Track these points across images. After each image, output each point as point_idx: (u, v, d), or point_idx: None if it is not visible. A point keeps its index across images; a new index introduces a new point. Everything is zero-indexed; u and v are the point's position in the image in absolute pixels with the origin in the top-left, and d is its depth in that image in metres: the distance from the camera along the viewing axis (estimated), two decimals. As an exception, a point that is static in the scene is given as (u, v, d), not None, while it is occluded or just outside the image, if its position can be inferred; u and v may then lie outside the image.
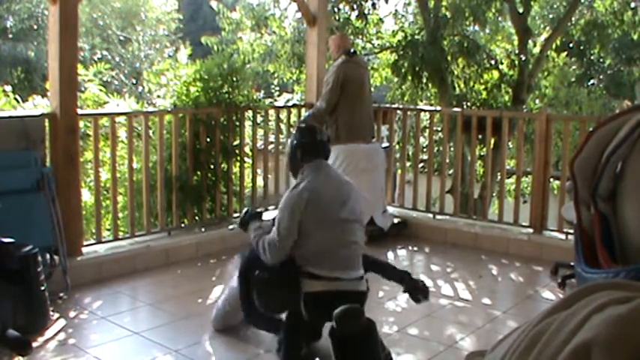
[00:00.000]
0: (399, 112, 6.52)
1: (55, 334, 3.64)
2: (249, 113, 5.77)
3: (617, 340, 0.48)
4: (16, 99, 7.69)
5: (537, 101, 11.77)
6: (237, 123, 5.53)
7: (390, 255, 5.43)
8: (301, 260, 3.04)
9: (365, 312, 2.49)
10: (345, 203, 3.12)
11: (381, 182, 5.72)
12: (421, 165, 7.23)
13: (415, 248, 5.60)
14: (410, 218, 5.95)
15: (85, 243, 4.65)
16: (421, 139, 7.63)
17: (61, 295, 4.13)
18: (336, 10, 9.36)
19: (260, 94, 8.01)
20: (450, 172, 7.21)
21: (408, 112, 6.53)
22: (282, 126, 6.73)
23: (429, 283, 4.70)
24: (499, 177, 6.50)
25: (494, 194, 8.44)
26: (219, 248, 5.26)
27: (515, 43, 9.99)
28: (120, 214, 5.16)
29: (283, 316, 3.20)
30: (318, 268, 3.00)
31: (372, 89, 6.88)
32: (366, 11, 9.44)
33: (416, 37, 9.02)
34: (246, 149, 5.78)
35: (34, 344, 3.26)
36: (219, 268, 4.97)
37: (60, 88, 4.28)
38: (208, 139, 5.34)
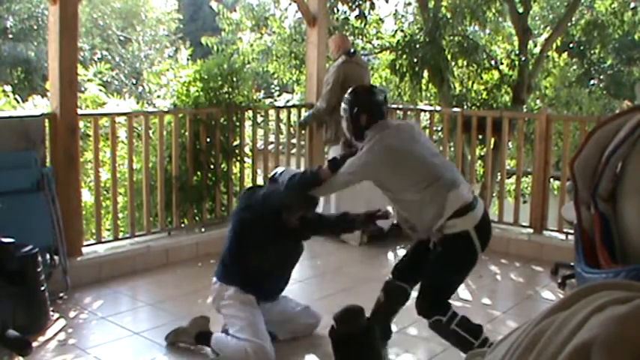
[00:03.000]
0: (399, 112, 6.52)
1: (55, 334, 3.64)
2: (249, 113, 5.77)
3: (617, 340, 0.48)
4: (16, 99, 7.69)
5: (538, 101, 11.76)
6: (237, 123, 5.53)
7: (390, 255, 5.43)
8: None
9: (365, 311, 2.49)
10: (414, 145, 3.17)
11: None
12: (421, 165, 7.21)
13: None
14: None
15: (85, 243, 4.65)
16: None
17: (61, 295, 4.13)
18: (335, 10, 9.34)
19: (260, 94, 8.01)
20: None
21: (408, 112, 6.53)
22: (282, 126, 6.74)
23: (429, 283, 4.72)
24: (499, 177, 6.50)
25: (494, 194, 8.43)
26: (219, 248, 5.21)
27: (515, 43, 9.98)
28: (120, 214, 5.16)
29: None
30: None
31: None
32: (365, 11, 9.43)
33: (415, 37, 9.01)
34: (246, 149, 5.78)
35: (34, 344, 3.26)
36: (219, 268, 4.97)
37: (60, 88, 4.28)
38: (208, 140, 5.34)
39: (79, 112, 4.63)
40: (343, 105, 3.31)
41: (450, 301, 3.17)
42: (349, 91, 3.37)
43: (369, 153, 3.10)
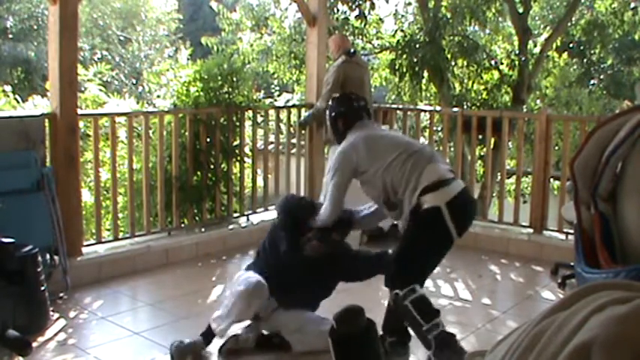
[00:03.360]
0: (399, 112, 6.52)
1: (55, 334, 3.64)
2: (249, 113, 5.78)
3: (617, 340, 0.48)
4: (16, 99, 7.70)
5: (538, 101, 11.77)
6: (237, 123, 5.53)
7: (390, 255, 5.43)
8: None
9: (365, 311, 2.49)
10: (392, 134, 3.36)
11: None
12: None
13: (415, 248, 5.59)
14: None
15: (85, 243, 4.65)
16: (421, 139, 7.63)
17: (61, 295, 4.13)
18: (335, 10, 9.35)
19: (260, 94, 8.00)
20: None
21: (408, 112, 6.53)
22: (282, 126, 6.73)
23: (429, 283, 4.72)
24: (499, 177, 6.50)
25: (494, 194, 8.43)
26: (219, 248, 5.26)
27: (516, 43, 9.99)
28: (120, 214, 5.16)
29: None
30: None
31: (372, 89, 6.88)
32: (365, 11, 9.43)
33: (415, 37, 9.02)
34: (246, 149, 5.78)
35: (34, 344, 3.26)
36: (219, 268, 4.97)
37: (60, 88, 4.27)
38: (208, 140, 5.34)
39: (79, 112, 4.63)
40: (326, 111, 3.59)
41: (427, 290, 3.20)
42: (332, 98, 3.69)
43: (342, 146, 3.29)
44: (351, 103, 3.45)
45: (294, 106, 7.24)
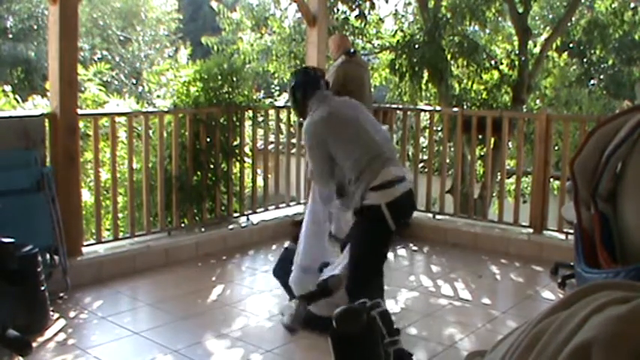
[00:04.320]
0: (399, 112, 6.52)
1: (55, 334, 3.64)
2: (249, 113, 5.78)
3: (617, 340, 0.48)
4: (16, 99, 7.69)
5: (537, 101, 11.76)
6: (237, 123, 5.53)
7: (390, 255, 5.43)
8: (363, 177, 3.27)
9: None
10: (359, 117, 3.42)
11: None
12: (421, 165, 7.23)
13: (415, 248, 5.60)
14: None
15: (85, 243, 4.65)
16: (421, 139, 7.63)
17: (61, 295, 4.13)
18: (335, 10, 9.34)
19: (260, 94, 8.00)
20: (450, 172, 7.22)
21: (408, 112, 6.53)
22: (282, 126, 6.73)
23: (428, 283, 4.73)
24: (499, 177, 6.50)
25: (494, 194, 8.43)
26: (219, 248, 5.26)
27: (516, 43, 9.98)
28: (120, 214, 5.16)
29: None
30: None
31: (372, 89, 6.88)
32: (365, 11, 9.43)
33: (415, 37, 9.02)
34: (246, 149, 5.79)
35: (34, 344, 3.26)
36: (219, 268, 4.97)
37: (60, 88, 4.28)
38: (208, 139, 5.35)
39: (79, 112, 4.63)
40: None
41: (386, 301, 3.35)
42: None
43: (311, 123, 3.38)
44: (308, 73, 3.61)
45: (294, 106, 7.23)
